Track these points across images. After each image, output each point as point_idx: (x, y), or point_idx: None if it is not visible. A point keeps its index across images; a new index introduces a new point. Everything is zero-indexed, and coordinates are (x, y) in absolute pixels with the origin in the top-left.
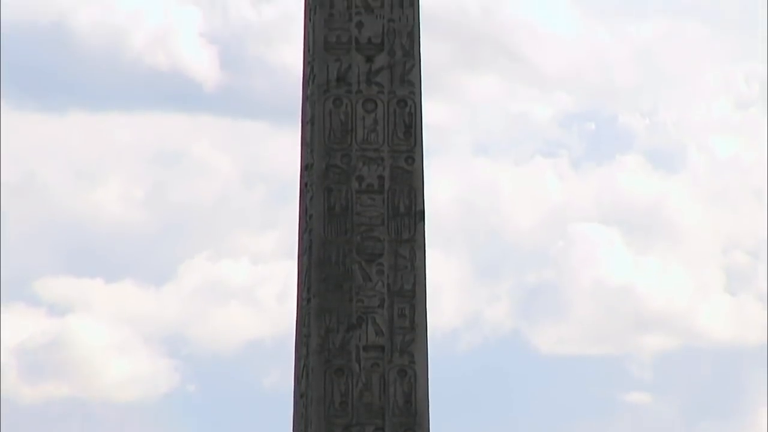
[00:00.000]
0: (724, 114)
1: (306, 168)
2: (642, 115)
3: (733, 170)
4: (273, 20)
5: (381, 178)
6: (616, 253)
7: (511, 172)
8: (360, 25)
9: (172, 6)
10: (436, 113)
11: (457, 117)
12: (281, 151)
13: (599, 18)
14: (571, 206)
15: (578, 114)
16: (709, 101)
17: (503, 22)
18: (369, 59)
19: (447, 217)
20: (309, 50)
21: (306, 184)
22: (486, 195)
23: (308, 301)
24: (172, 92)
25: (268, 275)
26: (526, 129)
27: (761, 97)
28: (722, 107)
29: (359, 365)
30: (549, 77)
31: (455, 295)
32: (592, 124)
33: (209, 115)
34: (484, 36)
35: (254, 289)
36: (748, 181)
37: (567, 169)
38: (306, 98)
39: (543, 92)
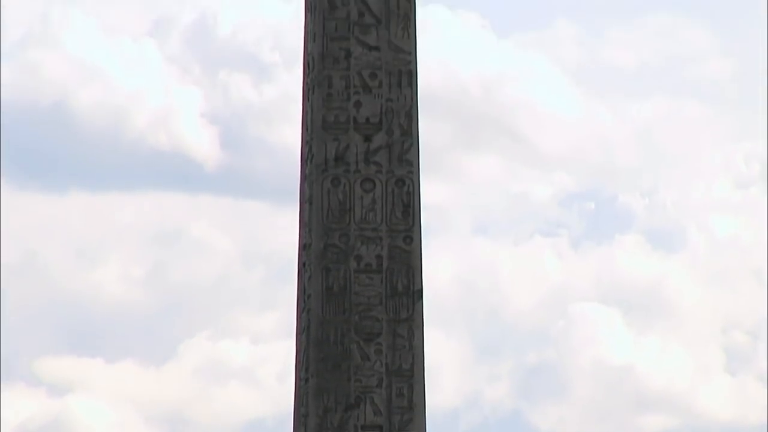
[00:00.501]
0: (724, 194)
1: (304, 248)
2: (642, 195)
3: (732, 250)
4: (273, 100)
5: (379, 257)
6: (616, 333)
7: (511, 251)
8: (358, 104)
9: (172, 86)
10: (436, 193)
11: (456, 196)
12: (281, 230)
13: (599, 98)
14: (570, 286)
15: (578, 194)
16: (708, 181)
17: (503, 102)
18: (367, 138)
19: (446, 297)
20: (307, 130)
21: (304, 264)
22: (485, 274)
23: (306, 380)
24: (173, 172)
25: (268, 355)
26: (526, 209)
27: (761, 176)
28: (722, 187)
29: None
30: (549, 157)
31: (455, 374)
32: (592, 203)
33: (210, 195)
34: (484, 116)
35: (254, 369)
36: (748, 261)
37: (566, 248)
38: (304, 178)
39: (543, 172)
